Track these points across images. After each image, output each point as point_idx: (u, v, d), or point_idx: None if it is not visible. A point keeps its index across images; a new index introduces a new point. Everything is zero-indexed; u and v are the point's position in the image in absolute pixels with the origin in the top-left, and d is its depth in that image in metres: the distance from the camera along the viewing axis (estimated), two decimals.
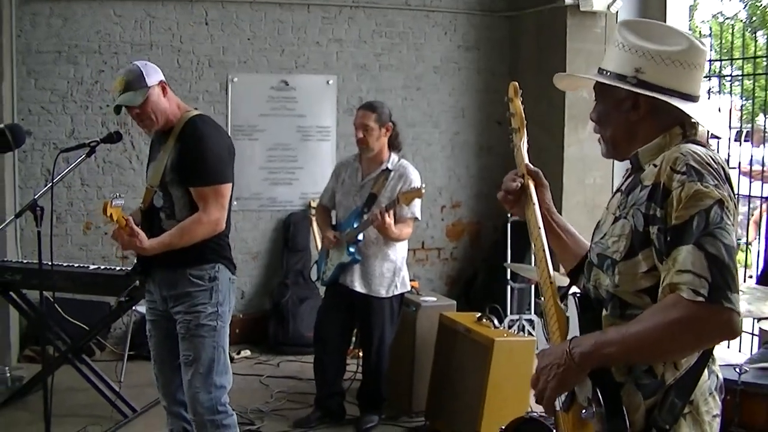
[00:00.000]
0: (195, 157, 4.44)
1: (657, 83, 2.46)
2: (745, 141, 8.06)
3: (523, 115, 3.02)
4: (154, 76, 4.54)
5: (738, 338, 7.21)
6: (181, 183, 4.47)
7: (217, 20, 8.42)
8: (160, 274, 4.61)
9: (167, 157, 4.50)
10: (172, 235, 4.44)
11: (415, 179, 6.13)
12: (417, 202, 6.11)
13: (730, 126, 7.80)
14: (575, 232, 2.94)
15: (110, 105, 8.00)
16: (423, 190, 5.93)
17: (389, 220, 5.86)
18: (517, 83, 3.08)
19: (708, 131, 2.64)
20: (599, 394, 2.33)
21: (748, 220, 9.70)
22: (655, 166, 2.39)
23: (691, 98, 2.49)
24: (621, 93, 2.52)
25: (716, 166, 2.33)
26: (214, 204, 4.45)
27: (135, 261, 4.73)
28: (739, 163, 7.94)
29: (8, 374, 6.96)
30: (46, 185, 4.48)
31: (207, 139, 4.50)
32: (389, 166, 6.17)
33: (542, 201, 2.89)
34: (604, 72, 2.56)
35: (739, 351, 7.16)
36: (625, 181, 2.58)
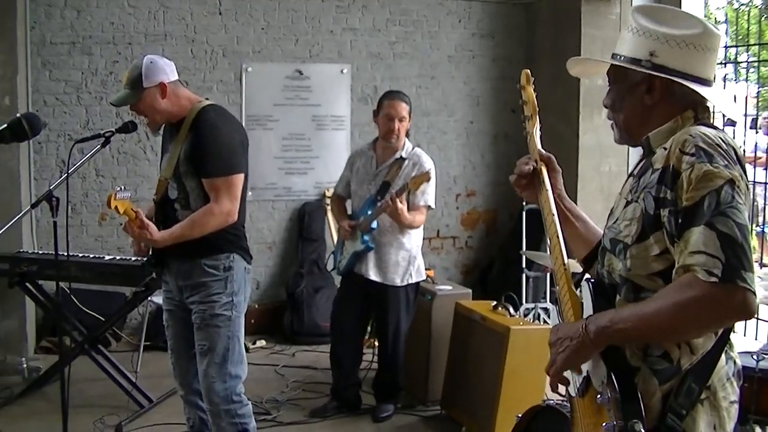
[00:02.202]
0: (206, 147, 4.44)
1: (671, 66, 2.46)
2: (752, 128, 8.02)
3: (536, 103, 3.03)
4: (155, 76, 4.50)
5: (755, 324, 7.21)
6: (194, 174, 4.47)
7: (231, 10, 8.42)
8: (175, 264, 4.62)
9: (180, 148, 4.50)
10: (183, 227, 4.44)
11: (428, 166, 6.13)
12: (430, 190, 6.11)
13: (746, 113, 7.76)
14: (587, 218, 2.94)
15: None
16: (431, 174, 5.93)
17: (401, 205, 5.86)
18: (529, 71, 3.09)
19: (723, 118, 2.64)
20: (614, 379, 2.32)
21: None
22: (665, 149, 2.39)
23: (705, 82, 2.49)
24: (635, 77, 2.52)
25: (726, 147, 2.33)
26: (226, 195, 4.44)
27: (150, 252, 4.73)
28: (755, 150, 7.90)
29: (25, 365, 7.00)
30: (61, 176, 4.49)
31: (218, 130, 4.49)
32: (403, 154, 6.17)
33: (554, 186, 2.90)
34: (618, 57, 2.57)
35: (756, 338, 7.13)
36: (638, 165, 2.58)
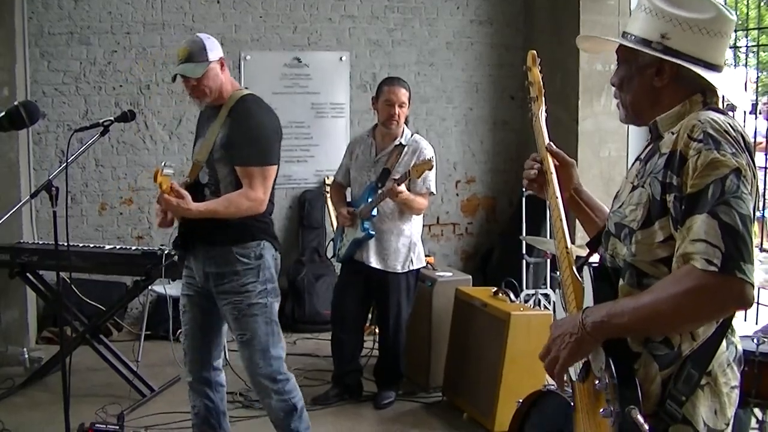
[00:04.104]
0: (244, 135, 4.47)
1: (682, 50, 2.43)
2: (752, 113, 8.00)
3: (542, 84, 3.01)
4: (215, 51, 4.56)
5: (756, 309, 7.21)
6: (228, 161, 4.50)
7: None
8: (202, 250, 4.61)
9: (217, 133, 4.52)
10: (218, 203, 4.46)
11: (429, 153, 6.14)
12: (431, 177, 6.12)
13: None
14: (606, 209, 2.91)
15: (123, 85, 8.08)
16: (433, 162, 5.95)
17: (400, 188, 5.87)
18: (535, 52, 3.07)
19: (723, 102, 2.61)
20: (612, 365, 2.32)
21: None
22: (673, 133, 2.37)
23: (716, 68, 2.46)
24: (645, 58, 2.49)
25: (735, 134, 2.31)
26: (260, 184, 4.47)
27: (176, 235, 4.72)
28: (755, 135, 7.89)
29: (27, 355, 6.99)
30: (60, 166, 4.48)
31: (259, 119, 4.53)
32: (403, 141, 6.18)
33: (569, 179, 2.90)
34: (629, 36, 2.53)
35: (756, 323, 7.13)
36: (645, 149, 2.56)
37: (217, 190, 4.55)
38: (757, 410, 4.88)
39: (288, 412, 4.68)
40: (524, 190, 8.06)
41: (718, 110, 2.43)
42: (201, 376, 4.78)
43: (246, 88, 4.81)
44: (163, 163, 4.31)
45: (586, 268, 2.53)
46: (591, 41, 2.93)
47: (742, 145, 2.31)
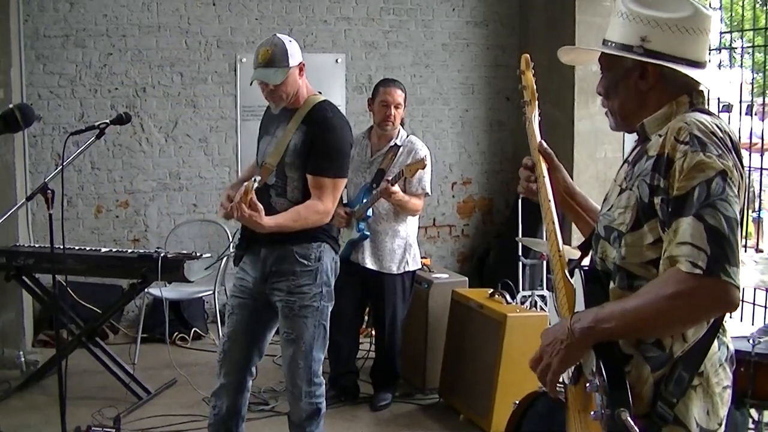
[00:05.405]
0: (323, 146, 4.47)
1: (664, 51, 2.43)
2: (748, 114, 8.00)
3: (535, 88, 3.01)
4: (296, 56, 4.54)
5: (752, 310, 7.22)
6: (300, 167, 4.48)
7: (225, 0, 8.39)
8: (264, 251, 4.58)
9: (290, 138, 4.51)
10: (287, 218, 4.41)
11: (423, 153, 6.18)
12: (426, 177, 6.15)
13: (741, 99, 7.75)
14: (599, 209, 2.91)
15: (119, 88, 8.08)
16: (426, 161, 5.97)
17: (394, 188, 5.89)
18: (528, 55, 3.07)
19: (719, 104, 2.62)
20: (603, 367, 2.32)
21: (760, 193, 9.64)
22: (660, 136, 2.37)
23: (699, 65, 2.47)
24: (628, 63, 2.49)
25: (721, 135, 2.31)
26: (330, 196, 4.47)
27: (239, 236, 4.73)
28: (751, 136, 7.89)
29: (23, 359, 6.99)
30: (56, 169, 4.47)
31: (337, 130, 4.53)
32: (398, 142, 6.20)
33: (558, 182, 2.88)
34: (609, 43, 2.54)
35: (752, 324, 7.14)
36: (632, 151, 2.56)
37: (284, 192, 4.53)
38: (753, 411, 4.89)
39: (311, 415, 4.66)
40: (512, 182, 8.16)
41: (704, 111, 2.43)
42: (236, 378, 4.71)
43: (319, 92, 4.77)
44: (254, 179, 4.23)
45: (577, 271, 2.53)
46: (573, 53, 2.94)
47: (729, 145, 2.32)
